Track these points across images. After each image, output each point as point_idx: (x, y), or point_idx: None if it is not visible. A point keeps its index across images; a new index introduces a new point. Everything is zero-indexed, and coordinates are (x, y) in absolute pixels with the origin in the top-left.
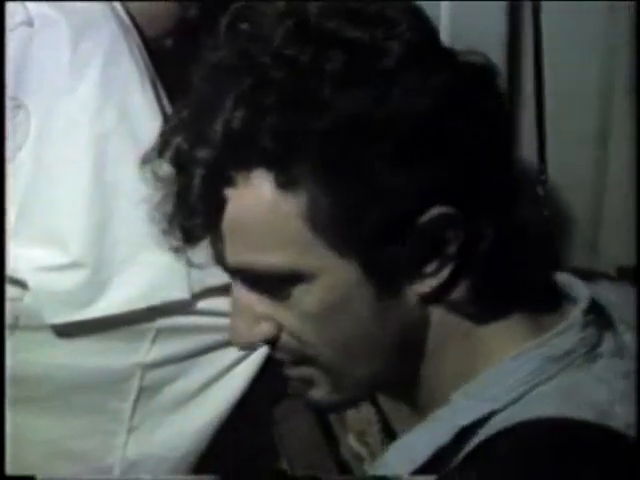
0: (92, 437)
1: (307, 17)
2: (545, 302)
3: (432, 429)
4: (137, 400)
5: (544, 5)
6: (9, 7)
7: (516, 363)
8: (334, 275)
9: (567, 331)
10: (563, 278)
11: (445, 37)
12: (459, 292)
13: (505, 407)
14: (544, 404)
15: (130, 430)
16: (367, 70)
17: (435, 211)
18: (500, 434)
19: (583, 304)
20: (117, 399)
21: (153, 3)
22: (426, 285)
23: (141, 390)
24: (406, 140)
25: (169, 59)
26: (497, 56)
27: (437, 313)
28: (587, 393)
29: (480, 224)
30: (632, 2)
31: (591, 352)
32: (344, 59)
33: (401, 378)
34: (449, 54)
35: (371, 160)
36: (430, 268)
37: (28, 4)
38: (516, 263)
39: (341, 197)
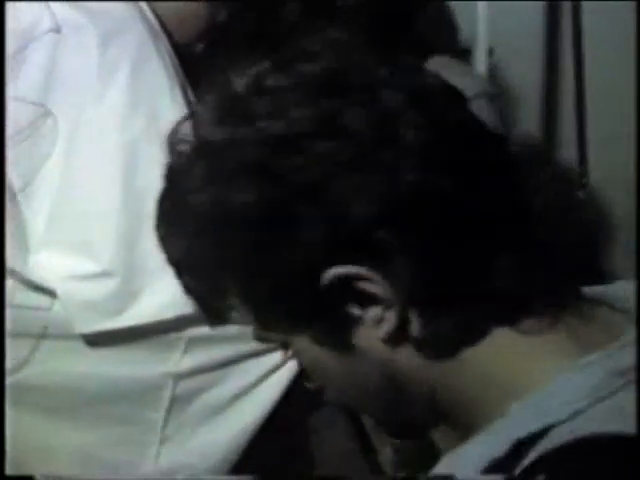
0: (124, 447)
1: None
2: (585, 314)
3: (487, 441)
4: (169, 410)
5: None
6: (36, 13)
7: (578, 376)
8: (296, 344)
9: (633, 343)
10: (609, 289)
11: (482, 35)
12: (419, 327)
13: (566, 420)
14: (607, 419)
15: (162, 440)
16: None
17: (330, 273)
18: (562, 448)
19: None
20: (149, 409)
21: (182, 8)
22: (380, 331)
23: (173, 400)
24: (260, 227)
25: (199, 64)
26: (535, 55)
27: (406, 351)
28: None
29: (418, 258)
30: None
31: None
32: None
33: (428, 416)
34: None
35: (241, 251)
36: (372, 316)
37: (55, 10)
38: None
39: (243, 295)
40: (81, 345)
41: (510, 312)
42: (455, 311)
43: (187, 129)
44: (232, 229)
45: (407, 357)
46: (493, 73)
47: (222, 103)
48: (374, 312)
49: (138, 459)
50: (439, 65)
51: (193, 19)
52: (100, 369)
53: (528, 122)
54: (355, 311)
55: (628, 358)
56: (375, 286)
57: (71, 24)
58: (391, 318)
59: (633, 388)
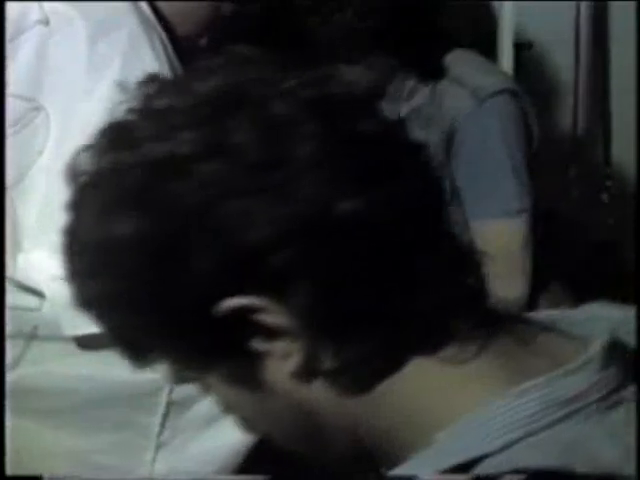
0: (119, 452)
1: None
2: (525, 340)
3: (410, 470)
4: (166, 415)
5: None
6: (24, 6)
7: (512, 404)
8: (209, 383)
9: (580, 371)
10: (567, 314)
11: (507, 30)
12: (329, 360)
13: (494, 453)
14: (541, 453)
15: (159, 446)
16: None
17: (224, 306)
18: None
19: (603, 340)
20: (144, 414)
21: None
22: (288, 366)
23: (170, 405)
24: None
25: (203, 58)
26: (570, 51)
27: (319, 386)
28: (592, 448)
29: (322, 284)
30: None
31: (608, 398)
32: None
33: (355, 456)
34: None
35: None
36: (278, 350)
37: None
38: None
39: (147, 332)
40: (73, 347)
41: (428, 339)
42: (367, 341)
43: (86, 159)
44: (119, 262)
45: (321, 393)
46: (531, 68)
47: (114, 129)
48: (280, 346)
49: (133, 465)
50: (461, 59)
51: (197, 12)
52: (94, 372)
53: (564, 119)
54: (260, 346)
55: (571, 387)
56: (275, 317)
57: (60, 16)
58: (298, 351)
59: (575, 420)
